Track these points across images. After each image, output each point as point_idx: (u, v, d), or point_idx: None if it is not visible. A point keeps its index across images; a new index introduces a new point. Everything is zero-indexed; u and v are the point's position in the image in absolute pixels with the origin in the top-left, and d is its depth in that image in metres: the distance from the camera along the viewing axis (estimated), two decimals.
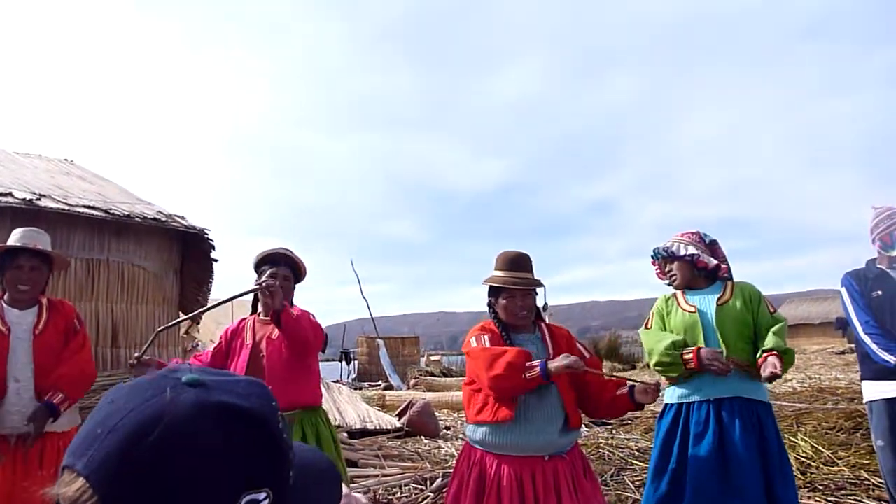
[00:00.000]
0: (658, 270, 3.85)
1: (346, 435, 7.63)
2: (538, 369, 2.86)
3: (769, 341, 3.41)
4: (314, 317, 3.63)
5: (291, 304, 3.75)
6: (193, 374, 0.85)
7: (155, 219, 7.68)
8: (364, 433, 8.20)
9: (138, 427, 0.78)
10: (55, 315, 3.55)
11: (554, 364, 2.87)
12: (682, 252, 3.68)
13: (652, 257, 3.85)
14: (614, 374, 3.46)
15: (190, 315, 3.71)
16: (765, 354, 3.36)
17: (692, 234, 3.77)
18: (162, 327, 3.71)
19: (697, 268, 3.68)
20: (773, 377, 3.28)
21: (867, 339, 3.80)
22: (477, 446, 3.08)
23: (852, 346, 21.31)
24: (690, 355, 3.40)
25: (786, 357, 3.35)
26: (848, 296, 3.97)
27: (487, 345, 3.05)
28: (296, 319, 3.37)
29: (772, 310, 3.63)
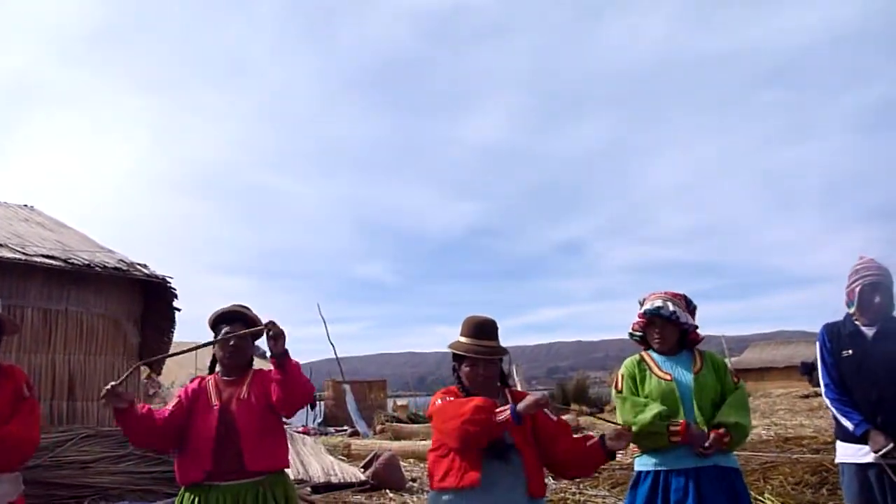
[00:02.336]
0: (642, 323, 3.67)
1: (308, 490, 7.45)
2: (508, 411, 2.83)
3: (722, 413, 3.42)
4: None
5: (251, 363, 3.63)
6: None
7: (116, 268, 7.56)
8: (328, 487, 8.02)
9: None
10: (3, 382, 3.40)
11: (523, 404, 2.84)
12: (683, 319, 3.58)
13: (649, 313, 3.61)
14: (585, 415, 3.40)
15: (177, 353, 3.50)
16: (713, 429, 3.37)
17: (681, 297, 3.66)
18: (143, 361, 3.51)
19: (688, 338, 3.65)
20: (710, 451, 3.32)
21: (828, 403, 3.81)
22: None
23: (816, 390, 21.43)
24: (678, 428, 3.36)
25: (736, 431, 3.38)
26: (818, 353, 3.92)
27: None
28: (297, 369, 3.21)
29: (735, 380, 3.61)
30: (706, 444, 3.31)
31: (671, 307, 3.57)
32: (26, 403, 3.42)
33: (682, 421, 3.38)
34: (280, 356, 3.17)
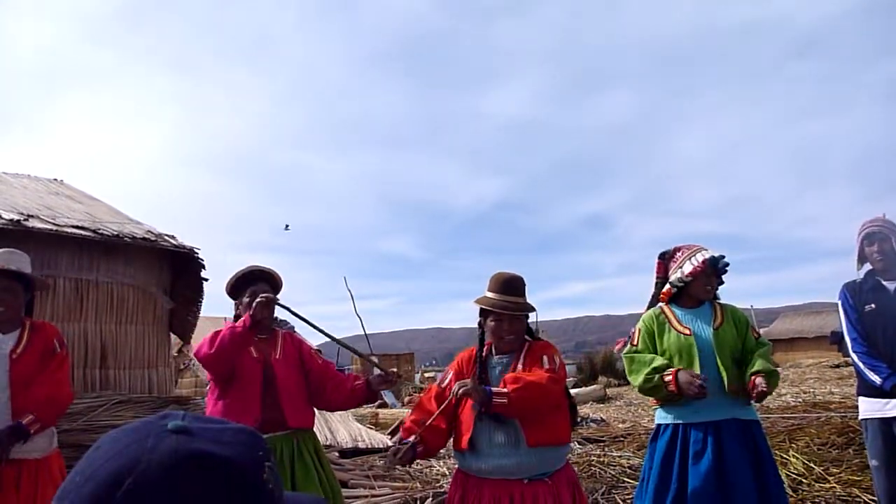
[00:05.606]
0: (699, 270, 3.59)
1: (337, 454, 7.57)
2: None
3: (756, 364, 3.42)
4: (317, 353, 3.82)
5: (275, 321, 3.73)
6: (180, 421, 0.83)
7: (144, 238, 7.65)
8: (355, 452, 8.14)
9: (113, 475, 0.76)
10: (35, 337, 3.48)
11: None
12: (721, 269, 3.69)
13: (712, 262, 3.61)
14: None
15: (297, 314, 3.71)
16: (752, 377, 3.37)
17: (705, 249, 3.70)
18: (280, 302, 3.61)
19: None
20: (761, 396, 3.31)
21: (855, 358, 3.82)
22: (463, 470, 3.11)
23: (847, 359, 21.33)
24: (670, 377, 3.38)
25: (771, 378, 3.38)
26: (842, 310, 3.96)
27: (444, 383, 3.21)
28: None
29: (756, 335, 3.62)
30: (753, 392, 3.32)
31: (713, 253, 3.65)
32: (56, 358, 3.51)
33: (672, 370, 3.40)
34: (375, 390, 3.57)
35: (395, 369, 3.60)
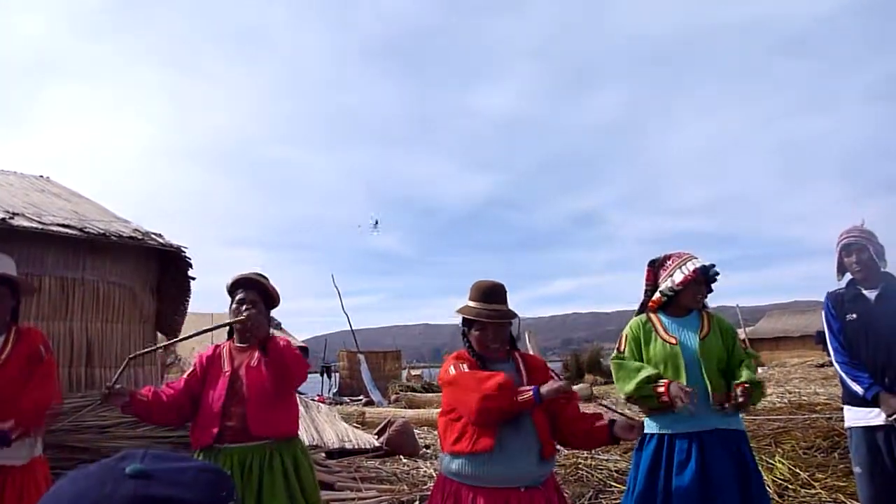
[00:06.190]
0: (689, 279, 3.59)
1: (323, 455, 7.55)
2: (530, 392, 2.82)
3: (742, 375, 3.44)
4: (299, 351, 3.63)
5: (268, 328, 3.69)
6: (139, 464, 0.81)
7: (131, 237, 7.59)
8: (342, 453, 8.12)
9: None
10: (20, 343, 3.45)
11: (546, 388, 2.83)
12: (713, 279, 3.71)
13: (703, 271, 3.63)
14: (602, 404, 3.39)
15: (163, 344, 3.65)
16: (735, 386, 3.40)
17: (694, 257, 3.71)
18: (133, 354, 3.59)
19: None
20: (739, 407, 3.38)
21: (838, 368, 3.89)
22: (453, 478, 3.00)
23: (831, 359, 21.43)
24: (662, 388, 3.38)
25: (756, 389, 3.42)
26: (824, 320, 4.01)
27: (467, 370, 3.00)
28: (281, 350, 3.32)
29: (744, 346, 3.64)
30: (729, 402, 3.36)
31: (706, 263, 3.65)
32: (42, 366, 3.48)
33: (665, 381, 3.41)
34: (262, 342, 3.32)
35: (246, 316, 3.37)
